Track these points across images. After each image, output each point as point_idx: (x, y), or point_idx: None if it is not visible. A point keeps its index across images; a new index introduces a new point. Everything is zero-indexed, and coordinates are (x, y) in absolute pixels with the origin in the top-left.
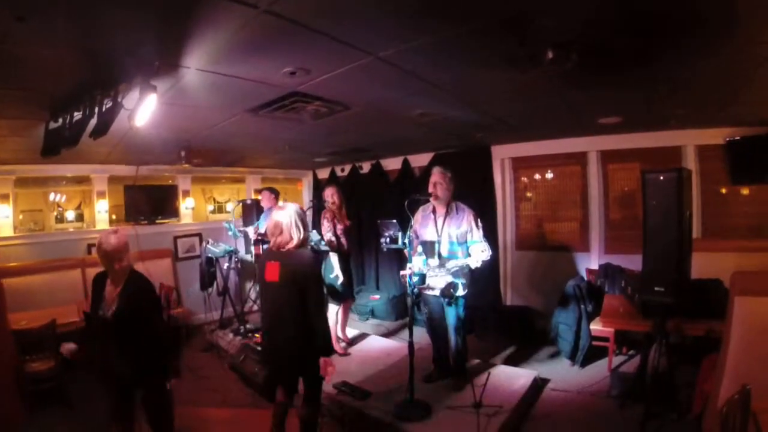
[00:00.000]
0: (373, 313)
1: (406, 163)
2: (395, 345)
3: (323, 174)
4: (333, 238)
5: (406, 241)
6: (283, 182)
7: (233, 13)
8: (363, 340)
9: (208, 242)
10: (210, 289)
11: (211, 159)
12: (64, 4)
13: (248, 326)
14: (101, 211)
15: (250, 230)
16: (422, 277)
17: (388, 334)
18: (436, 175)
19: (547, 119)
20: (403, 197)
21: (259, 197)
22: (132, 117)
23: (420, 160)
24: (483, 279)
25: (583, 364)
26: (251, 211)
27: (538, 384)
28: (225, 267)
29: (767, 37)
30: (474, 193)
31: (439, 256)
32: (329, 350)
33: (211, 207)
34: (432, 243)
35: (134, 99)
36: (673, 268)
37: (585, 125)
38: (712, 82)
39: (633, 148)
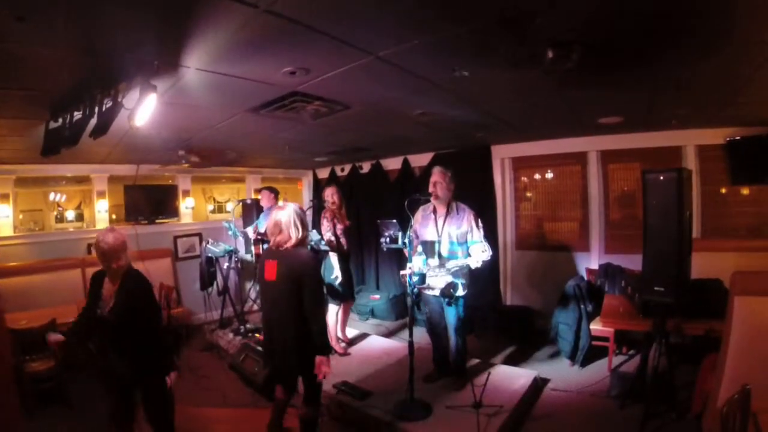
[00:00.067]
0: (373, 313)
1: (406, 162)
2: (395, 345)
3: (323, 174)
4: (333, 238)
5: (406, 240)
6: (283, 182)
7: (233, 13)
8: (363, 340)
9: (208, 242)
10: (210, 289)
11: (211, 159)
12: (64, 4)
13: (248, 326)
14: (101, 211)
15: (250, 230)
16: (422, 277)
17: (388, 334)
18: (436, 175)
19: (547, 119)
20: (403, 197)
21: (259, 197)
22: (132, 117)
23: (420, 159)
24: (483, 279)
25: (583, 364)
26: (251, 211)
27: (538, 384)
28: (225, 267)
29: (767, 37)
30: (474, 193)
31: (439, 256)
32: (326, 349)
33: (211, 207)
34: (432, 243)
35: (134, 99)
36: (673, 268)
37: (585, 125)
38: (713, 82)
39: (633, 148)
